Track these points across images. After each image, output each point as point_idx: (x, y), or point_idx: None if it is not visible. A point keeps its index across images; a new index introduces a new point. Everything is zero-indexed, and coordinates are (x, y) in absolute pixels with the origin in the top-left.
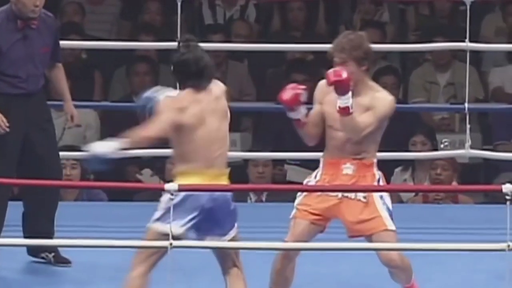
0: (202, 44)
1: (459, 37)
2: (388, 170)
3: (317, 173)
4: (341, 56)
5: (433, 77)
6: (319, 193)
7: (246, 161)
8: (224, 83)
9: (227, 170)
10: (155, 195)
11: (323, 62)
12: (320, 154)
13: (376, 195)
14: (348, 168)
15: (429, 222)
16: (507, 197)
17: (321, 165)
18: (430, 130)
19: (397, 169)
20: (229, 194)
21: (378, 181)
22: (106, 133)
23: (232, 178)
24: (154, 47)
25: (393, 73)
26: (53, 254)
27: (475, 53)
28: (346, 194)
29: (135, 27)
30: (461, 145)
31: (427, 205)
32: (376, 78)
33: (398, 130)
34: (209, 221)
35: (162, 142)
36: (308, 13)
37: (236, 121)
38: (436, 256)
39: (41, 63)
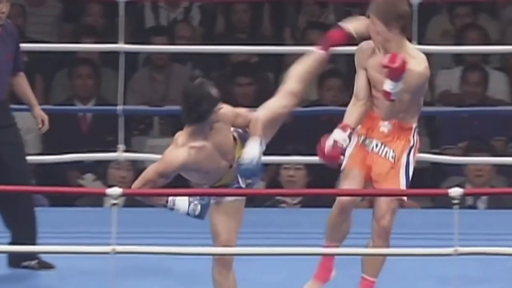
0: (144, 47)
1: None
2: (335, 175)
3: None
4: (370, 14)
5: None
6: (360, 146)
7: None
8: (168, 86)
9: None
10: (97, 200)
11: (268, 64)
12: (268, 157)
13: (404, 161)
14: (385, 126)
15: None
16: (454, 202)
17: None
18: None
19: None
20: None
21: (411, 148)
22: (46, 137)
23: (173, 183)
24: (96, 49)
25: (340, 76)
26: (36, 261)
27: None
28: (376, 149)
29: (77, 29)
30: None
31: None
32: (322, 81)
33: None
34: None
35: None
36: (253, 15)
37: (180, 125)
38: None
39: (5, 71)
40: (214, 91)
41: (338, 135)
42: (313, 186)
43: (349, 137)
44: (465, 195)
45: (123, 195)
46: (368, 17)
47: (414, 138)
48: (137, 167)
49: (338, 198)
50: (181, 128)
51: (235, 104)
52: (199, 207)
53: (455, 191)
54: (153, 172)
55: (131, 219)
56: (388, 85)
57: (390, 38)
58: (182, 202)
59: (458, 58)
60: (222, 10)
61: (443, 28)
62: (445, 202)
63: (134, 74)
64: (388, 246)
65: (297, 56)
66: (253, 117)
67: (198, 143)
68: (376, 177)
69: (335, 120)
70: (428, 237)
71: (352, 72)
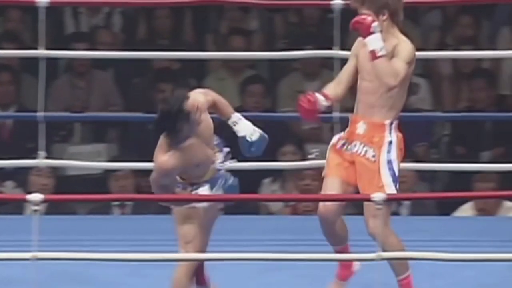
0: (65, 53)
1: (328, 45)
2: (256, 181)
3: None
4: (358, 5)
5: (302, 86)
6: (338, 148)
7: (109, 172)
8: (89, 93)
9: None
10: (17, 207)
11: (190, 70)
12: None
13: (383, 158)
14: (360, 127)
15: (298, 233)
16: (377, 207)
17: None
18: (299, 140)
19: (266, 180)
20: None
21: (389, 144)
22: None
23: (95, 189)
24: (16, 55)
25: (261, 82)
26: None
27: (344, 61)
28: (356, 151)
29: None
30: None
31: (296, 217)
32: (243, 87)
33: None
34: None
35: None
36: (175, 21)
37: (102, 132)
38: (306, 267)
39: None
40: (185, 104)
41: (319, 96)
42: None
43: (327, 107)
44: (388, 200)
45: (44, 201)
46: (355, 9)
47: (390, 134)
48: (58, 174)
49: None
50: (102, 135)
51: (156, 111)
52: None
53: (378, 197)
54: (153, 182)
55: (52, 226)
56: (369, 45)
57: (382, 24)
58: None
59: None
60: (144, 16)
61: None
62: None
63: (55, 81)
64: (394, 244)
65: (219, 61)
66: (216, 96)
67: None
68: (358, 178)
69: (257, 126)
70: (352, 243)
71: (274, 78)
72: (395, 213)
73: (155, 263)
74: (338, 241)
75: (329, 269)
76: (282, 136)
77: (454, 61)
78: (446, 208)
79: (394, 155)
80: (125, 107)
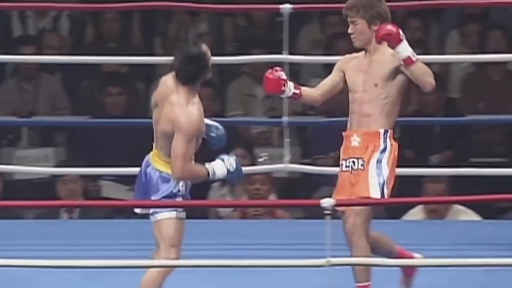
0: (12, 57)
1: (277, 49)
2: (205, 186)
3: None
4: (352, 15)
5: (251, 89)
6: (343, 170)
7: (56, 176)
8: (36, 96)
9: (161, 155)
10: None
11: (138, 74)
12: (138, 168)
13: (373, 161)
14: (355, 140)
15: (248, 237)
16: (326, 212)
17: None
18: (248, 144)
19: (215, 184)
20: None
21: (383, 151)
22: None
23: (42, 194)
24: None
25: (210, 85)
26: None
27: (293, 65)
28: (355, 167)
29: None
30: (280, 159)
31: (245, 221)
32: None
33: None
34: None
35: None
36: (123, 24)
37: (50, 136)
38: (256, 272)
39: None
40: (206, 47)
41: (289, 82)
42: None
43: (295, 94)
44: (337, 205)
45: None
46: (346, 17)
47: (385, 142)
48: (5, 179)
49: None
50: (50, 139)
51: (104, 114)
52: (232, 160)
53: (327, 202)
54: (182, 143)
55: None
56: (400, 54)
57: (372, 37)
58: (218, 167)
59: (328, 68)
60: (91, 19)
61: (314, 38)
62: (317, 213)
63: (2, 84)
64: (362, 247)
65: (167, 66)
66: None
67: (197, 99)
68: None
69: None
70: (301, 248)
71: (223, 81)
72: None
73: (106, 269)
74: (385, 254)
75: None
76: (231, 140)
77: None
78: (395, 211)
79: (385, 160)
80: (73, 111)
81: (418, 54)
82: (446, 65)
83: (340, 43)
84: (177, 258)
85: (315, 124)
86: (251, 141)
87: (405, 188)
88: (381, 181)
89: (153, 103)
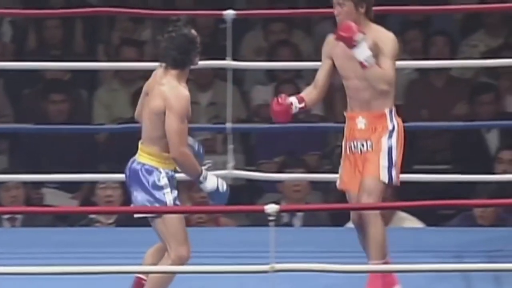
0: None
1: (221, 55)
2: None
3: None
4: None
5: (194, 96)
6: (348, 154)
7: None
8: None
9: (145, 147)
10: None
11: (81, 81)
12: (81, 175)
13: (384, 144)
14: (360, 123)
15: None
16: (270, 218)
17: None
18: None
19: None
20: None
21: (391, 132)
22: None
23: None
24: None
25: None
26: None
27: (236, 72)
28: (364, 149)
29: None
30: (224, 166)
31: (189, 228)
32: (135, 98)
33: None
34: None
35: None
36: (65, 31)
37: None
38: (200, 279)
39: None
40: (195, 32)
41: (292, 99)
42: (129, 204)
43: (300, 109)
44: (281, 211)
45: None
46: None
47: (392, 122)
48: None
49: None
50: None
51: (47, 121)
52: (224, 184)
53: (271, 208)
54: (175, 121)
55: None
56: (356, 56)
57: (358, 18)
58: (211, 178)
59: (271, 74)
60: (34, 26)
61: (257, 44)
62: (261, 219)
63: None
64: (379, 225)
65: (111, 72)
66: None
67: (185, 85)
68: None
69: None
70: (245, 255)
71: None
72: (289, 224)
73: (51, 276)
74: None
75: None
76: None
77: None
78: (339, 219)
79: (394, 142)
80: (15, 118)
81: None
82: None
83: (283, 50)
84: (188, 254)
85: (258, 130)
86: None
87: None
88: (390, 165)
89: (143, 93)
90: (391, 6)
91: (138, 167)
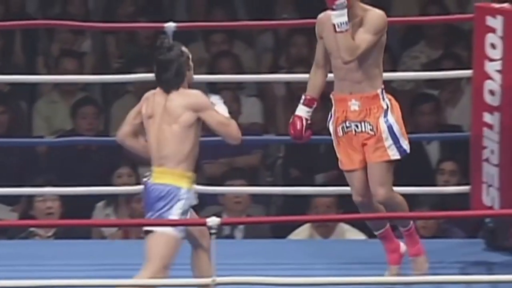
0: None
1: None
2: (89, 206)
3: (331, 110)
4: None
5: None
6: (342, 136)
7: None
8: None
9: (167, 168)
10: None
11: (20, 93)
12: (21, 189)
13: (382, 124)
14: (354, 105)
15: (132, 258)
16: (212, 231)
17: (333, 101)
18: (132, 163)
19: (99, 204)
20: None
21: (386, 111)
22: None
23: None
24: None
25: (93, 104)
26: None
27: None
28: (358, 129)
29: None
30: None
31: (129, 241)
32: (75, 110)
33: (100, 163)
34: None
35: None
36: (4, 43)
37: None
38: None
39: None
40: (183, 47)
41: (301, 111)
42: (68, 217)
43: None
44: (222, 224)
45: None
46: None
47: (385, 101)
48: None
49: (353, 199)
50: None
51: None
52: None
53: (212, 221)
54: (215, 113)
55: None
56: (332, 17)
57: (353, 1)
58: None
59: (212, 87)
60: None
61: (198, 56)
62: None
63: None
64: (401, 202)
65: (51, 84)
66: None
67: None
68: (366, 154)
69: (90, 150)
70: (186, 267)
71: (107, 100)
72: (230, 236)
73: None
74: (378, 225)
75: None
76: (116, 159)
77: (288, 83)
78: (281, 230)
79: (391, 119)
80: None
81: (303, 71)
82: (331, 82)
83: (224, 62)
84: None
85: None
86: (136, 160)
87: (290, 209)
88: (396, 140)
89: (135, 115)
90: None
91: (161, 188)
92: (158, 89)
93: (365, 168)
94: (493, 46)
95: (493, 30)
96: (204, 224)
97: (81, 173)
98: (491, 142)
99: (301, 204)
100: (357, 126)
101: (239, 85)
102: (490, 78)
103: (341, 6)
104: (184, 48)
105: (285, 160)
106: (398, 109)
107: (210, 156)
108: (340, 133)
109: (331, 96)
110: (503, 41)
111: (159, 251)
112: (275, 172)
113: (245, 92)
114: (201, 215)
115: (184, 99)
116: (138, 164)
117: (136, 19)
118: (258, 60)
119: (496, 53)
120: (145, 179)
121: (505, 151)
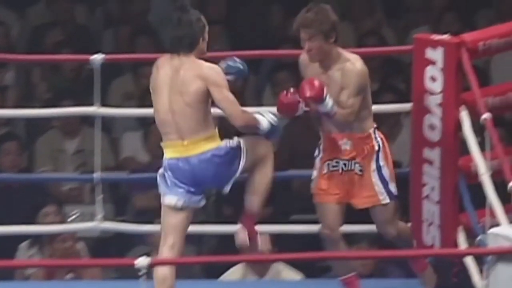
0: None
1: (88, 101)
2: (12, 247)
3: (319, 146)
4: (308, 32)
5: (61, 144)
6: (326, 172)
7: None
8: None
9: (196, 138)
10: None
11: None
12: None
13: (372, 167)
14: (345, 144)
15: None
16: (141, 273)
17: (321, 138)
18: (58, 201)
19: (23, 244)
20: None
21: (378, 151)
22: None
23: None
24: None
25: (16, 139)
26: None
27: (105, 118)
28: (346, 168)
29: None
30: (92, 218)
31: (53, 282)
32: None
33: (24, 202)
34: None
35: None
36: None
37: None
38: None
39: None
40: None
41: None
42: None
43: (306, 111)
44: (152, 265)
45: None
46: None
47: (377, 141)
48: None
49: (321, 232)
50: None
51: None
52: (271, 114)
53: (141, 261)
54: (225, 92)
55: None
56: (322, 109)
57: (329, 49)
58: (262, 118)
59: (142, 121)
60: None
61: (126, 90)
62: (131, 272)
63: None
64: (406, 230)
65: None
66: None
67: None
68: (354, 195)
69: (13, 188)
70: None
71: (31, 136)
72: None
73: None
74: (346, 270)
75: None
76: (40, 197)
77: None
78: (213, 271)
79: (382, 161)
80: None
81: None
82: None
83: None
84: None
85: (128, 181)
86: (62, 198)
87: (223, 248)
88: (385, 184)
89: (153, 89)
90: (264, 50)
91: (208, 155)
92: (162, 59)
93: (342, 203)
94: (433, 79)
95: (433, 62)
96: (132, 265)
97: (2, 213)
98: (431, 178)
99: (234, 243)
100: (345, 165)
101: None
102: (430, 112)
103: (325, 98)
104: (202, 17)
105: (218, 198)
106: (388, 150)
107: (141, 187)
108: (325, 170)
109: (320, 132)
110: (444, 74)
111: (163, 222)
112: (207, 210)
113: None
114: (129, 255)
115: (196, 69)
116: (64, 202)
117: (61, 50)
118: None
119: (437, 86)
120: (72, 218)
121: (446, 187)
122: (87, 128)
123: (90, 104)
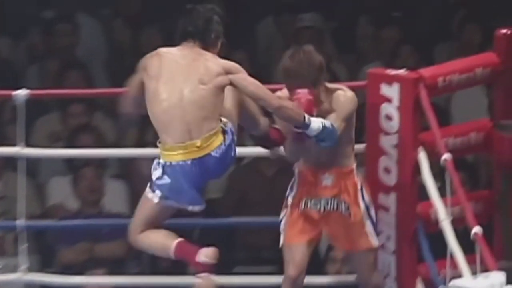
0: None
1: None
2: None
3: (292, 183)
4: (295, 83)
5: None
6: (300, 212)
7: None
8: None
9: (206, 135)
10: None
11: None
12: None
13: (362, 207)
14: (327, 179)
15: None
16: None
17: (296, 174)
18: None
19: None
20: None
21: (362, 190)
22: None
23: None
24: None
25: None
26: None
27: (30, 160)
28: (328, 207)
29: None
30: (15, 269)
31: None
32: None
33: None
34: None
35: None
36: None
37: None
38: None
39: None
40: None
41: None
42: None
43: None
44: None
45: None
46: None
47: (359, 178)
48: None
49: (286, 276)
50: None
51: None
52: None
53: None
54: (250, 79)
55: None
56: (307, 132)
57: (319, 92)
58: (315, 119)
59: (70, 164)
60: None
61: (52, 130)
62: None
63: None
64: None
65: None
66: None
67: None
68: (338, 236)
69: None
70: None
71: None
72: None
73: None
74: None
75: None
76: None
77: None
78: None
79: (367, 199)
80: None
81: None
82: None
83: (84, 135)
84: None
85: (56, 228)
86: None
87: None
88: (375, 226)
89: (155, 77)
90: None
91: (223, 148)
92: (164, 49)
93: (312, 244)
94: (388, 117)
95: (388, 100)
96: None
97: None
98: (387, 226)
99: None
100: (327, 203)
101: (102, 162)
102: (385, 153)
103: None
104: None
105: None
106: (367, 187)
107: (67, 241)
108: (301, 207)
109: (294, 168)
110: (400, 112)
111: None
112: (142, 261)
113: (109, 171)
114: None
115: (217, 62)
116: None
117: None
118: (120, 133)
119: (392, 126)
120: None
121: (403, 236)
122: (10, 172)
123: (13, 144)
